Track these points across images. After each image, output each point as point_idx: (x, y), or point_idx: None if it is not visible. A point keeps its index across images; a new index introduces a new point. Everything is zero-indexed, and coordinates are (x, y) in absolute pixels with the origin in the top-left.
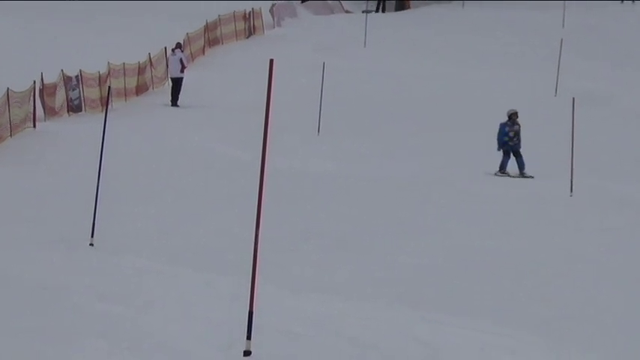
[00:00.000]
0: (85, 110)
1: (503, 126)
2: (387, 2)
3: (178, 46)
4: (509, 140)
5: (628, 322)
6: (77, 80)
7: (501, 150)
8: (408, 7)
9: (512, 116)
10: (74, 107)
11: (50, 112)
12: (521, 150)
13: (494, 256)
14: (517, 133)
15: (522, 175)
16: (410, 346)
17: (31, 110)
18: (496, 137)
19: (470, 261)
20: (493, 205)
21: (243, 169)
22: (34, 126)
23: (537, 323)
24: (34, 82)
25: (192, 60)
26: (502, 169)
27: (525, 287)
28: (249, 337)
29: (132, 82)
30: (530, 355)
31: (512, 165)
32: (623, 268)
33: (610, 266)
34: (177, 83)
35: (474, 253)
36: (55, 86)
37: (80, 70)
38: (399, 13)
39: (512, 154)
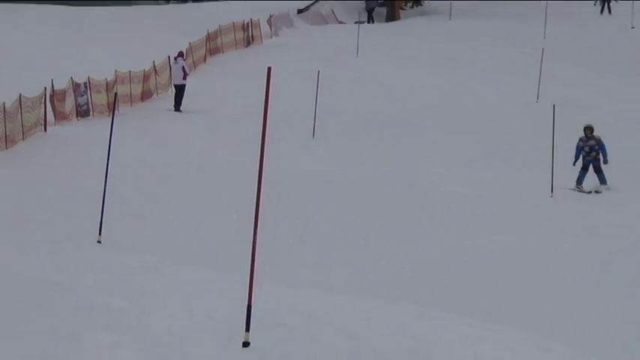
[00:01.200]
0: (93, 115)
1: (578, 141)
2: (376, 13)
3: (181, 54)
4: (586, 155)
5: (609, 315)
6: (85, 87)
7: (580, 165)
8: (398, 18)
9: (586, 130)
10: (83, 112)
11: (60, 116)
12: (602, 166)
13: (482, 255)
14: (592, 148)
15: (597, 191)
16: (403, 340)
17: (42, 115)
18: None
19: (460, 260)
20: (480, 207)
21: (242, 171)
22: (45, 130)
23: (524, 319)
24: (45, 88)
25: (194, 68)
26: (578, 182)
27: (512, 284)
28: (247, 330)
29: (137, 89)
30: (517, 349)
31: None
32: (602, 263)
33: (590, 262)
34: (180, 90)
35: (463, 253)
36: (64, 92)
37: (88, 77)
38: (389, 23)
39: (592, 169)
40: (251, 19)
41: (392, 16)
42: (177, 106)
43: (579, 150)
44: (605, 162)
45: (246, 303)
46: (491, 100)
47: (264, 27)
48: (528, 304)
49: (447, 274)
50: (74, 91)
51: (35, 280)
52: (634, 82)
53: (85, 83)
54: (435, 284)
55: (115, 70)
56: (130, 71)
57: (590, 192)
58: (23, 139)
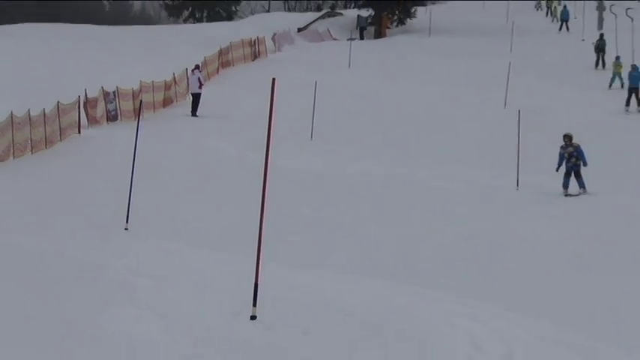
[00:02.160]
0: (121, 119)
1: (560, 149)
2: (366, 31)
3: (197, 67)
4: (567, 161)
5: (566, 289)
6: (114, 95)
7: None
8: (385, 36)
9: (565, 138)
10: (112, 117)
11: (92, 120)
12: (581, 170)
13: (455, 239)
14: (571, 155)
15: (579, 193)
16: (385, 311)
17: (77, 119)
18: None
19: (436, 243)
20: (453, 198)
21: (249, 167)
22: (79, 132)
23: (491, 294)
24: (79, 96)
25: (209, 78)
26: (564, 187)
27: (481, 264)
28: (254, 305)
29: (159, 97)
30: (485, 320)
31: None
32: (561, 246)
33: (549, 247)
34: (196, 98)
35: (439, 237)
36: (96, 100)
37: (117, 87)
38: (377, 40)
39: (573, 174)
40: (257, 37)
41: (379, 34)
42: (194, 112)
43: (561, 157)
44: (585, 164)
45: (254, 281)
46: (465, 106)
47: (269, 43)
48: (498, 281)
49: (428, 256)
50: (104, 99)
51: (71, 262)
52: (585, 89)
53: (114, 92)
54: (417, 265)
55: (140, 81)
56: (153, 81)
57: (577, 194)
58: (60, 140)
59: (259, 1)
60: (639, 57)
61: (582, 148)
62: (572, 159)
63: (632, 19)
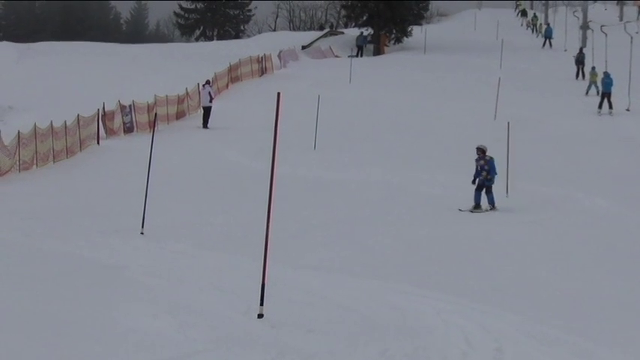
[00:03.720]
0: (137, 131)
1: (475, 161)
2: (365, 48)
3: (208, 82)
4: (478, 175)
5: (550, 290)
6: (130, 108)
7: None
8: (383, 53)
9: (477, 151)
10: (128, 129)
11: (110, 132)
12: (493, 185)
13: (446, 242)
14: (482, 168)
15: (487, 209)
16: (383, 309)
17: (96, 131)
18: None
19: (428, 246)
20: (446, 203)
21: (257, 175)
22: (98, 143)
23: (480, 294)
24: (98, 109)
25: (219, 93)
26: (475, 202)
27: (470, 266)
28: (262, 304)
29: (173, 110)
30: (474, 318)
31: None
32: (546, 249)
33: (537, 248)
34: (207, 111)
35: (431, 240)
36: (113, 113)
37: (133, 101)
38: (376, 57)
39: (484, 190)
40: (264, 54)
41: (378, 51)
42: (205, 124)
43: (477, 169)
44: (494, 174)
45: (261, 281)
46: (458, 118)
47: (275, 60)
48: (487, 281)
49: (422, 257)
50: (121, 112)
51: (91, 264)
52: (567, 99)
53: (130, 105)
54: (410, 265)
55: (155, 95)
56: (166, 95)
57: (485, 211)
58: (80, 150)
59: (266, 21)
60: (611, 67)
61: (494, 162)
62: (483, 172)
63: (606, 35)
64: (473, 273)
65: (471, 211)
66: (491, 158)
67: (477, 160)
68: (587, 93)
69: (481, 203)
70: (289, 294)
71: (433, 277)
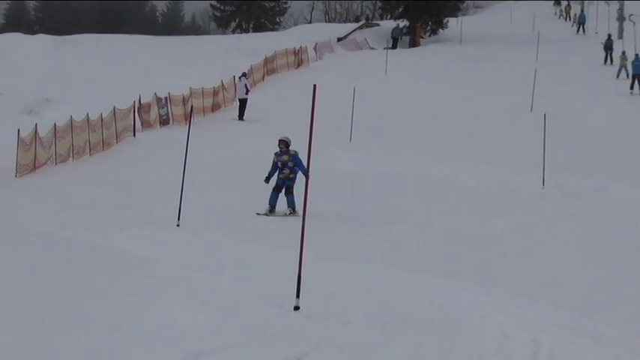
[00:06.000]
0: (172, 123)
1: (274, 156)
2: (401, 40)
3: (244, 74)
4: (279, 172)
5: (589, 282)
6: (166, 100)
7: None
8: (419, 45)
9: (280, 144)
10: (164, 121)
11: (146, 124)
12: (294, 187)
13: (481, 235)
14: (285, 164)
15: (287, 214)
16: (418, 302)
17: (132, 123)
18: None
19: (463, 238)
20: (482, 195)
21: None
22: (134, 135)
23: (516, 285)
24: (134, 102)
25: (255, 85)
26: (269, 204)
27: (506, 258)
28: (297, 296)
29: (208, 102)
30: (510, 310)
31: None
32: (582, 241)
33: (573, 241)
34: (243, 103)
35: (467, 232)
36: (149, 105)
37: (169, 93)
38: (411, 49)
39: (284, 190)
40: (300, 46)
41: (413, 43)
42: (241, 116)
43: (275, 166)
44: (305, 175)
45: (297, 274)
46: (495, 110)
47: (311, 52)
48: (522, 273)
49: (457, 249)
50: (157, 104)
51: (127, 256)
52: (600, 83)
53: (165, 98)
54: (444, 257)
55: (190, 87)
56: (202, 88)
57: (284, 215)
58: (117, 142)
59: (302, 13)
60: None
61: (300, 157)
62: (285, 170)
63: (634, 23)
64: (508, 265)
65: (267, 215)
66: (296, 153)
67: (278, 155)
68: (617, 76)
69: (288, 205)
70: (325, 286)
71: (466, 269)
